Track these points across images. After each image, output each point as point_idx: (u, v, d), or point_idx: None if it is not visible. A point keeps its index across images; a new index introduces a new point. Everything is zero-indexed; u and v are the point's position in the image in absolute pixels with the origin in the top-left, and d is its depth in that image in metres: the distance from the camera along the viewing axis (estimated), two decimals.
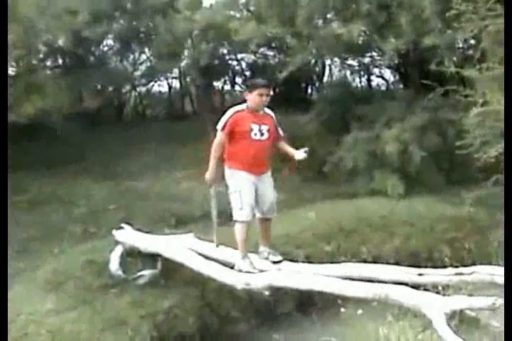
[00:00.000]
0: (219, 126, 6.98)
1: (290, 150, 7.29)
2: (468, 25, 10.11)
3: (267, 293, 6.93)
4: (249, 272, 7.14)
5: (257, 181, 7.08)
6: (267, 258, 7.38)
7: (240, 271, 7.20)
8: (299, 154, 7.14)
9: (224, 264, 7.55)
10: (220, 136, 7.00)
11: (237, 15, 16.62)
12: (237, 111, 6.99)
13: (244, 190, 7.01)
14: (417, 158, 12.58)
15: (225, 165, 7.16)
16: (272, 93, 7.05)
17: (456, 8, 10.35)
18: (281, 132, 7.31)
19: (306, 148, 7.12)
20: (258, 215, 7.33)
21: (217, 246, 7.89)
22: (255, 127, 6.94)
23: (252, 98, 6.92)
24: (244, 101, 7.06)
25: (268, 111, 7.17)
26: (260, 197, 7.16)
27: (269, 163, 7.26)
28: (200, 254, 8.07)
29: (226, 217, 7.53)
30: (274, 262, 7.30)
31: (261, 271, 7.16)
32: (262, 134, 6.98)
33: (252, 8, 16.07)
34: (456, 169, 12.94)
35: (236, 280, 7.17)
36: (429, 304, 5.20)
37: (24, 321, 7.67)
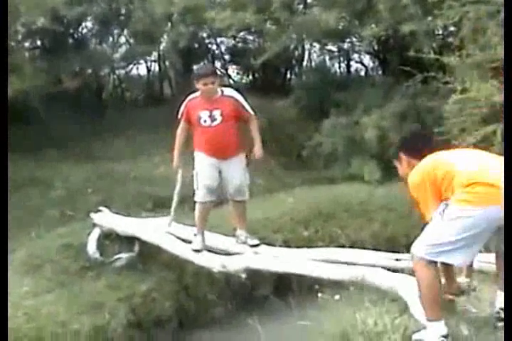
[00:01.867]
0: (178, 116, 7.23)
1: (256, 138, 7.28)
2: (448, 12, 10.13)
3: (243, 275, 7.04)
4: (197, 250, 7.42)
5: (220, 164, 7.21)
6: (244, 242, 7.44)
7: (193, 249, 7.47)
8: (259, 153, 7.14)
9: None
10: (181, 125, 7.31)
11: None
12: (191, 99, 7.14)
13: (201, 172, 7.19)
14: (395, 144, 12.61)
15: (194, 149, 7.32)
16: (217, 80, 7.10)
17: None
18: (248, 112, 7.26)
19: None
20: (228, 197, 7.42)
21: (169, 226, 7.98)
22: (205, 114, 7.06)
23: (199, 87, 7.02)
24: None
25: (229, 93, 7.20)
26: (226, 180, 7.24)
27: (235, 147, 7.26)
28: (177, 238, 8.10)
29: None
30: (252, 246, 7.37)
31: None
32: (213, 120, 7.05)
33: None
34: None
35: (212, 262, 7.22)
36: (405, 286, 5.24)
37: None
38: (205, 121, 7.06)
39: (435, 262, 4.41)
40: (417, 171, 4.60)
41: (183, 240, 8.02)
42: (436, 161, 4.53)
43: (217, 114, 7.03)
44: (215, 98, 7.04)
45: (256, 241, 7.45)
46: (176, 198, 7.89)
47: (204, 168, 7.17)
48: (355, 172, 13.01)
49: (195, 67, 6.90)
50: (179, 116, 7.25)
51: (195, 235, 7.58)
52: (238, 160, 7.29)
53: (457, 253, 4.28)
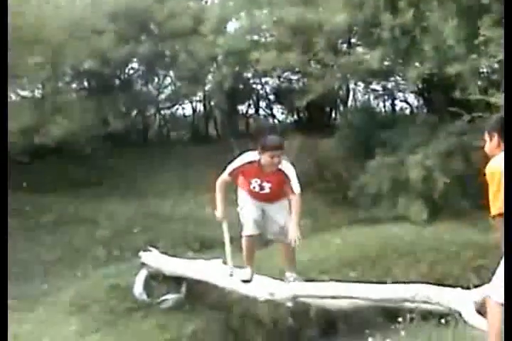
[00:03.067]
0: (228, 170, 7.01)
1: (294, 218, 6.95)
2: (495, 50, 10.08)
3: (289, 304, 6.97)
4: (246, 281, 7.37)
5: (263, 205, 7.15)
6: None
7: (240, 280, 7.43)
8: (292, 235, 6.99)
9: None
10: (224, 179, 7.07)
11: (262, 40, 16.68)
12: (249, 163, 6.95)
13: (247, 207, 7.14)
14: (441, 183, 12.54)
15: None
16: (282, 153, 6.80)
17: (483, 35, 10.36)
18: (293, 193, 6.96)
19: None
20: (270, 237, 7.44)
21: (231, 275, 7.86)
22: (256, 182, 6.96)
23: (264, 158, 6.78)
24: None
25: (284, 166, 6.93)
26: (270, 220, 7.20)
27: (279, 196, 7.20)
28: None
29: None
30: None
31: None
32: (262, 189, 7.00)
33: (275, 33, 16.08)
34: (483, 194, 12.82)
35: (260, 291, 7.27)
36: (456, 296, 5.29)
37: None
38: (254, 188, 7.03)
39: None
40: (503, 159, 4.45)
41: None
42: None
43: (267, 186, 6.98)
44: (273, 170, 6.99)
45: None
46: (228, 251, 7.75)
47: (248, 204, 7.17)
48: (402, 213, 12.89)
49: (262, 138, 6.54)
50: (227, 171, 7.03)
51: (243, 268, 7.53)
52: (282, 203, 7.27)
53: None
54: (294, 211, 6.94)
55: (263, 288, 7.28)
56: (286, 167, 6.93)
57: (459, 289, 5.47)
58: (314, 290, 6.91)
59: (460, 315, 5.19)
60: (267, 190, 7.01)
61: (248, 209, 7.16)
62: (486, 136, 4.71)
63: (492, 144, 4.64)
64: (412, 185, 12.90)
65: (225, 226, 7.52)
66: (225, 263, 8.07)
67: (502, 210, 4.19)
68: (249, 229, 7.19)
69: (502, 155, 4.41)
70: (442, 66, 12.02)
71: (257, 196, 7.12)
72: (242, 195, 7.22)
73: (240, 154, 7.09)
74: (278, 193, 7.07)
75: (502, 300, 4.17)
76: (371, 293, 6.16)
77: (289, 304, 7.14)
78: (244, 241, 7.31)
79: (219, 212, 7.22)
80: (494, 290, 4.38)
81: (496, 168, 4.36)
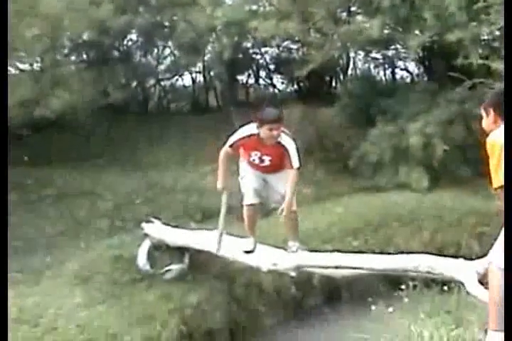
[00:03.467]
0: (229, 142, 7.04)
1: (288, 192, 6.99)
2: (495, 17, 10.00)
3: (292, 274, 7.07)
4: (249, 252, 7.46)
5: (265, 175, 7.19)
6: (295, 253, 7.39)
7: (244, 251, 7.49)
8: (287, 207, 6.95)
9: None
10: (226, 151, 7.12)
11: (261, 9, 16.57)
12: (248, 136, 6.93)
13: (247, 176, 7.22)
14: (440, 151, 12.54)
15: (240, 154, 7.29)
16: (281, 126, 6.78)
17: (484, 1, 10.27)
18: (294, 163, 6.96)
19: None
20: (273, 206, 7.45)
21: (217, 251, 7.89)
22: (255, 154, 6.99)
23: (263, 131, 6.77)
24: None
25: (284, 140, 6.92)
26: (271, 189, 7.25)
27: (280, 166, 7.19)
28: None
29: None
30: None
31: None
32: (261, 161, 7.03)
33: (274, 2, 15.97)
34: (484, 162, 12.82)
35: (263, 261, 7.31)
36: (459, 267, 5.29)
37: (53, 315, 7.69)
38: (254, 160, 7.08)
39: None
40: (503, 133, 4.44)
41: None
42: None
43: (266, 159, 7.01)
44: (272, 143, 6.98)
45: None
46: (221, 219, 7.79)
47: (249, 174, 7.23)
48: (403, 181, 12.90)
49: (260, 111, 6.46)
50: (228, 144, 7.06)
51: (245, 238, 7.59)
52: (283, 173, 7.27)
53: None
54: (289, 185, 6.96)
55: (266, 258, 7.31)
56: (286, 141, 6.92)
57: (461, 259, 5.47)
58: (317, 261, 6.93)
59: (463, 284, 5.20)
60: (266, 163, 7.05)
61: (249, 179, 7.23)
62: (482, 112, 4.70)
63: (489, 120, 4.65)
64: (413, 153, 12.91)
65: (224, 198, 7.57)
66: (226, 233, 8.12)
67: (500, 184, 4.21)
68: (249, 198, 7.25)
69: (501, 128, 4.41)
70: (443, 33, 11.93)
71: (257, 168, 7.15)
72: (243, 166, 7.27)
73: (241, 126, 7.09)
74: (278, 165, 7.09)
75: (503, 265, 4.17)
76: (374, 263, 6.17)
77: (293, 274, 7.19)
78: (244, 211, 7.37)
79: (219, 183, 7.27)
80: (495, 255, 4.39)
81: (495, 140, 4.35)
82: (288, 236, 7.50)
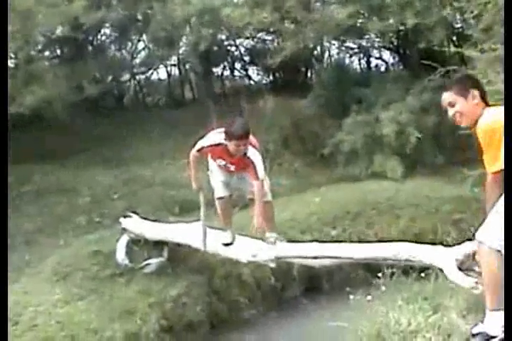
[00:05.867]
0: (196, 147, 7.07)
1: (258, 204, 6.97)
2: (468, 5, 10.05)
3: (272, 265, 7.14)
4: (228, 244, 7.51)
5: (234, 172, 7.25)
6: (274, 244, 7.39)
7: (223, 243, 7.54)
8: (259, 222, 6.95)
9: None
10: (194, 154, 7.17)
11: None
12: (216, 145, 6.93)
13: (215, 170, 7.26)
14: (413, 139, 12.63)
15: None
16: (248, 141, 6.76)
17: None
18: (259, 176, 6.89)
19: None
20: (249, 196, 7.47)
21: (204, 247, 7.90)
22: (221, 162, 7.05)
23: (230, 145, 6.76)
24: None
25: (250, 153, 6.88)
26: (243, 180, 7.23)
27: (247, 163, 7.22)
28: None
29: None
30: None
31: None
32: (227, 167, 7.09)
33: None
34: (458, 149, 12.93)
35: (242, 253, 7.34)
36: (438, 254, 5.30)
37: (33, 313, 7.68)
38: (219, 164, 7.12)
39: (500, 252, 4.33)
40: (498, 115, 4.25)
41: None
42: None
43: (232, 167, 7.07)
44: (238, 155, 6.99)
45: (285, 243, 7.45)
46: (202, 216, 7.80)
47: (218, 168, 7.23)
48: (378, 170, 12.98)
49: (228, 125, 6.47)
50: (196, 148, 7.08)
51: (222, 231, 7.64)
52: (252, 167, 7.30)
53: None
54: (256, 198, 6.97)
55: (245, 250, 7.33)
56: (252, 153, 6.91)
57: (440, 247, 5.50)
58: (296, 251, 6.95)
59: (442, 271, 5.23)
60: (232, 169, 7.11)
61: (216, 173, 7.28)
62: (456, 97, 4.59)
63: (470, 103, 4.51)
64: (386, 142, 12.97)
65: (201, 197, 7.72)
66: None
67: (500, 167, 4.18)
68: (219, 192, 7.35)
69: (491, 111, 4.39)
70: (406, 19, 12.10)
71: (224, 169, 7.19)
72: (211, 161, 7.29)
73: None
74: (243, 171, 7.11)
75: (497, 246, 4.15)
76: (353, 252, 6.17)
77: (272, 265, 7.23)
78: (217, 204, 7.45)
79: (194, 184, 7.46)
80: (485, 236, 4.27)
81: (489, 125, 4.31)
82: (265, 227, 7.52)
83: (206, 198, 7.61)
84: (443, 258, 5.21)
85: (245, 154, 6.87)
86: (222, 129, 6.85)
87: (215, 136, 6.99)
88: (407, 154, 12.92)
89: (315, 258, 6.74)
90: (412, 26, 12.54)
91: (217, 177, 7.28)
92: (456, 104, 4.60)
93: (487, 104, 4.53)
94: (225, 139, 6.74)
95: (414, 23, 11.85)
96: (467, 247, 4.99)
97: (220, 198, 7.38)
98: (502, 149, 4.14)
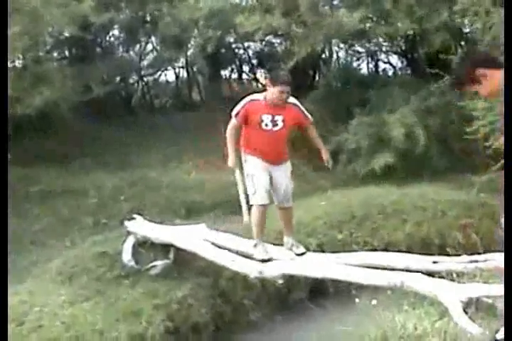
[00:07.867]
0: (233, 112, 7.04)
1: (319, 144, 7.40)
2: (473, 19, 10.09)
3: (280, 281, 7.02)
4: (263, 260, 7.19)
5: (272, 169, 7.10)
6: (290, 250, 7.39)
7: (256, 259, 7.28)
8: (326, 155, 7.32)
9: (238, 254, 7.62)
10: (233, 122, 7.09)
11: (243, 2, 16.58)
12: (253, 101, 6.97)
13: (257, 174, 7.05)
14: (422, 142, 12.62)
15: (241, 150, 7.20)
16: (290, 89, 6.91)
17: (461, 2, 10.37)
18: (308, 119, 7.22)
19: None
20: (275, 203, 7.37)
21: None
22: (267, 118, 6.92)
23: (272, 93, 6.86)
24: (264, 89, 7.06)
25: (292, 100, 7.05)
26: (275, 185, 7.16)
27: (285, 153, 7.26)
28: (212, 244, 8.11)
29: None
30: (297, 254, 7.32)
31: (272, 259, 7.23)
32: (275, 125, 6.95)
33: None
34: (465, 154, 12.93)
35: (249, 268, 7.21)
36: (445, 292, 5.22)
37: (38, 313, 7.67)
38: (266, 125, 6.94)
39: None
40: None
41: (218, 246, 8.03)
42: None
43: (279, 119, 6.93)
44: (280, 104, 7.06)
45: (302, 250, 7.33)
46: (243, 200, 7.52)
47: (260, 171, 7.07)
48: (384, 174, 12.96)
49: (275, 72, 6.72)
50: (234, 115, 7.04)
51: (255, 245, 7.37)
52: (287, 167, 7.28)
53: None
54: (315, 136, 7.33)
55: (252, 266, 7.25)
56: (295, 100, 7.04)
57: (445, 282, 5.46)
58: (303, 270, 6.96)
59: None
60: (279, 125, 6.98)
61: (261, 177, 7.07)
62: (472, 84, 4.51)
63: (491, 83, 4.43)
64: (393, 145, 12.95)
65: (238, 175, 7.45)
66: (209, 227, 8.12)
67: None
68: (262, 198, 7.08)
69: None
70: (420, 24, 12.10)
71: (269, 154, 7.07)
72: (253, 161, 7.13)
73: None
74: (288, 132, 7.16)
75: None
76: (360, 277, 6.24)
77: (280, 282, 7.17)
78: (255, 212, 7.17)
79: (231, 161, 7.18)
80: None
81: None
82: (284, 232, 7.53)
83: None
84: (449, 297, 5.15)
85: (287, 103, 6.98)
86: (255, 95, 6.97)
87: (247, 98, 7.04)
88: (414, 158, 12.91)
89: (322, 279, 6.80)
90: (420, 31, 12.57)
91: (261, 181, 7.04)
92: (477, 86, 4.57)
93: None
94: (269, 86, 6.84)
95: (422, 27, 11.82)
96: (474, 289, 5.00)
97: (261, 205, 7.11)
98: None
